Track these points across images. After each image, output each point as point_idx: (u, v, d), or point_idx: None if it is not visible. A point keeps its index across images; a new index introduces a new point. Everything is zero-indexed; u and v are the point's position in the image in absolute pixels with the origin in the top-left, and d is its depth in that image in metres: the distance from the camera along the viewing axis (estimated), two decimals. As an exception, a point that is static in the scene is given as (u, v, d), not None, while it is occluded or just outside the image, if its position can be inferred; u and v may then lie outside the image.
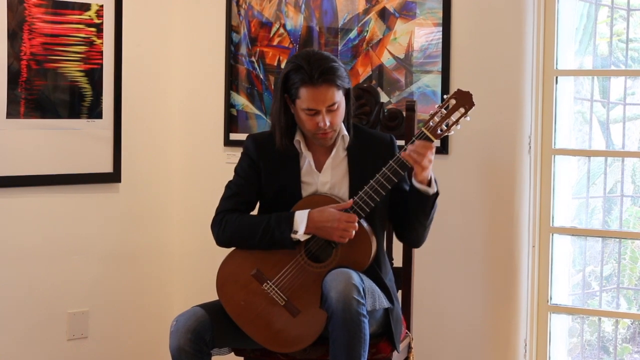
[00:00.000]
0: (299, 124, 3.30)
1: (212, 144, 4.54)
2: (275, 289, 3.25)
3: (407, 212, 3.28)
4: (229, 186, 3.40)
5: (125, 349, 4.46)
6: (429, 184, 3.23)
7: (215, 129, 4.53)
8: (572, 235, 4.00)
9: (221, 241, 3.35)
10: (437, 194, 3.25)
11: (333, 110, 3.23)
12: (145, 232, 4.52)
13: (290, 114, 3.30)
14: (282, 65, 3.48)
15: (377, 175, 3.19)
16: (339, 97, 3.23)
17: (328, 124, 3.22)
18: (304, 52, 3.29)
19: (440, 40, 4.00)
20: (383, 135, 3.41)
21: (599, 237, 4.01)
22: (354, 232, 3.18)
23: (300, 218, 3.22)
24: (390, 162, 3.18)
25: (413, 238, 3.37)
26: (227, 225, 3.31)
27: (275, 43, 4.37)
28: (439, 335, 4.05)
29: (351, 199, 3.21)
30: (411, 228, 3.32)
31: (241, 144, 3.44)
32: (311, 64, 3.19)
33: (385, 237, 3.49)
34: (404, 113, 3.61)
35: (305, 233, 3.21)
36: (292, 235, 3.22)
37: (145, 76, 4.49)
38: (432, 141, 3.17)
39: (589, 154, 4.00)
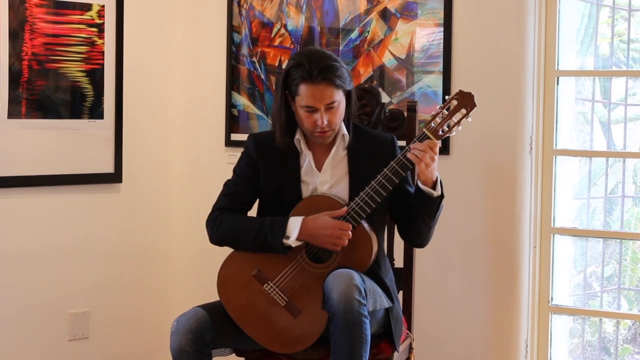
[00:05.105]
0: (298, 122, 3.29)
1: (213, 144, 4.54)
2: (276, 289, 3.25)
3: (411, 212, 3.26)
4: (227, 184, 3.39)
5: (126, 349, 4.46)
6: (434, 185, 3.20)
7: (216, 129, 4.53)
8: (573, 236, 4.00)
9: (214, 239, 3.34)
10: (442, 196, 3.21)
11: (331, 109, 3.21)
12: (146, 233, 4.52)
13: (290, 111, 3.29)
14: (284, 66, 3.48)
15: (378, 176, 3.18)
16: (339, 96, 3.22)
17: (326, 122, 3.21)
18: (306, 50, 3.29)
19: (442, 41, 4.00)
20: (384, 135, 3.40)
21: (600, 237, 4.00)
22: (347, 241, 3.17)
23: (294, 224, 3.20)
24: (392, 162, 3.17)
25: (417, 239, 3.34)
26: (221, 224, 3.30)
27: (276, 43, 4.37)
28: (440, 335, 4.05)
29: (345, 207, 3.20)
30: (416, 229, 3.28)
31: (242, 145, 3.43)
32: (311, 62, 3.18)
33: (386, 237, 3.49)
34: (405, 113, 3.61)
35: (297, 239, 3.20)
36: (284, 241, 3.22)
37: (146, 76, 4.49)
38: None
39: (590, 154, 4.00)
